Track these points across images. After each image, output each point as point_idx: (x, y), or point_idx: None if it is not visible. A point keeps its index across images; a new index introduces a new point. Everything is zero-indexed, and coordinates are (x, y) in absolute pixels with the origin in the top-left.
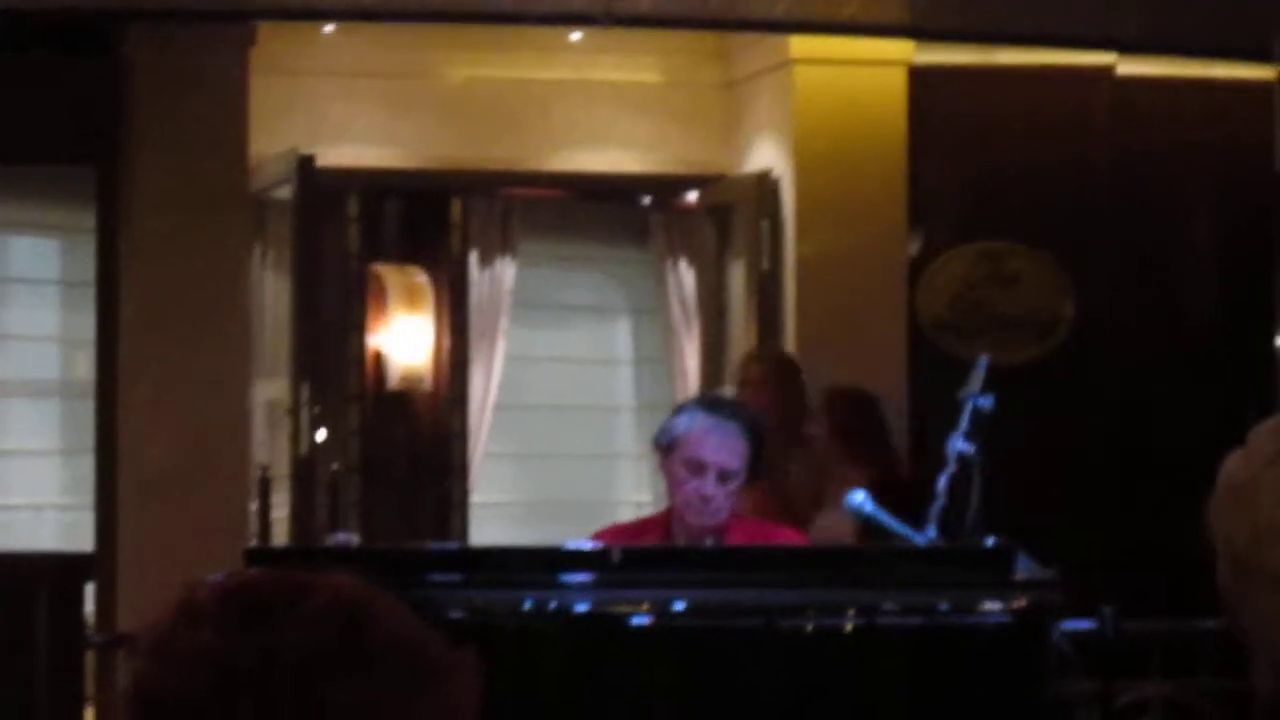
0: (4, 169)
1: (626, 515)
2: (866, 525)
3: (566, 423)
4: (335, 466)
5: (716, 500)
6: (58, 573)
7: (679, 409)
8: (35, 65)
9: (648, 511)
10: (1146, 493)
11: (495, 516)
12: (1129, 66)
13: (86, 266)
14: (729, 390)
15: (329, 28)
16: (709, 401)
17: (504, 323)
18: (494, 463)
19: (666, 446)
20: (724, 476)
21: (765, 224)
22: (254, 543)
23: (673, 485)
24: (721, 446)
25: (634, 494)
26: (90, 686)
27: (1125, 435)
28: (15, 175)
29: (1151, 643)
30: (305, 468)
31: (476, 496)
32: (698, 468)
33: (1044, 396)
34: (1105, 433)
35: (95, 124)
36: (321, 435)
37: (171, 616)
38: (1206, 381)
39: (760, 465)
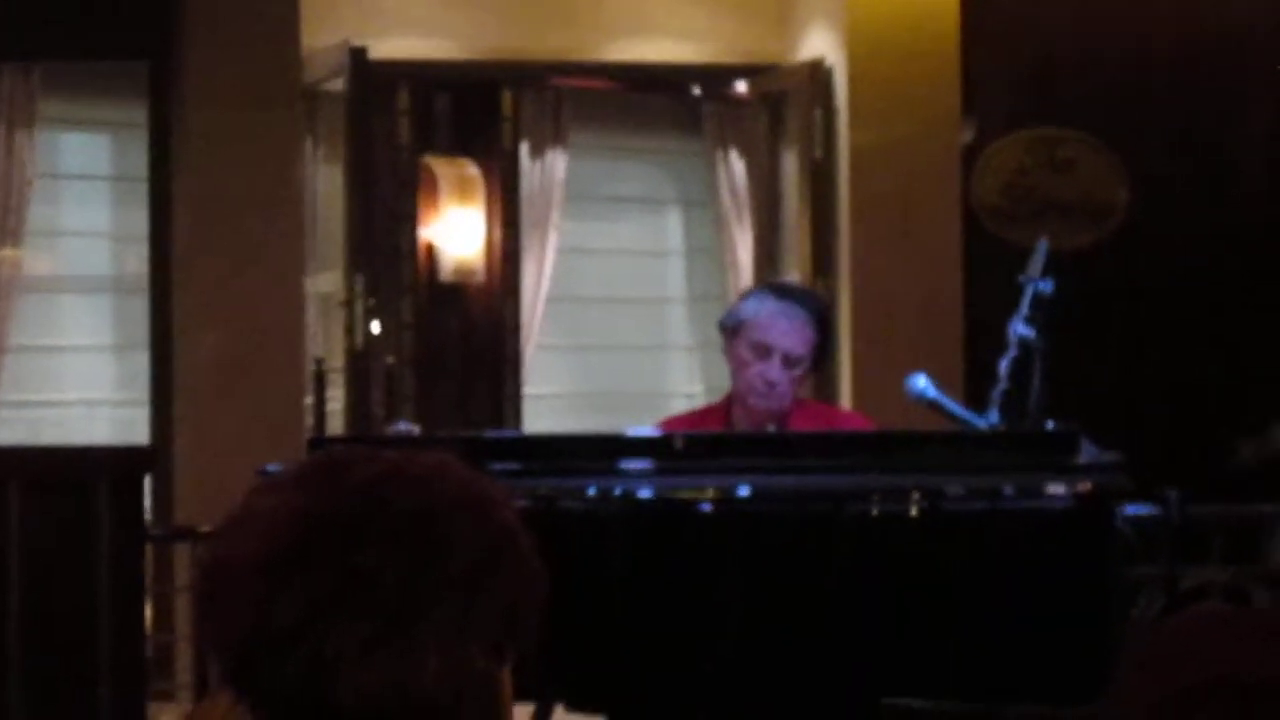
0: (55, 65)
1: (679, 407)
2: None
3: (618, 315)
4: (390, 359)
5: (781, 385)
6: (118, 465)
7: (748, 293)
8: None
9: (699, 403)
10: (1203, 376)
11: (548, 409)
12: None
13: (138, 162)
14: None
15: None
16: (779, 287)
17: (555, 215)
18: (546, 355)
19: (733, 329)
20: (790, 362)
21: (818, 113)
22: (311, 435)
23: (736, 368)
24: (789, 331)
25: (686, 385)
26: (147, 580)
27: (1181, 320)
28: (66, 71)
29: (1211, 528)
30: (360, 361)
31: (529, 389)
32: (764, 351)
33: (1100, 282)
34: (1161, 318)
35: (146, 18)
36: (375, 328)
37: (246, 495)
38: (1264, 265)
39: (826, 354)
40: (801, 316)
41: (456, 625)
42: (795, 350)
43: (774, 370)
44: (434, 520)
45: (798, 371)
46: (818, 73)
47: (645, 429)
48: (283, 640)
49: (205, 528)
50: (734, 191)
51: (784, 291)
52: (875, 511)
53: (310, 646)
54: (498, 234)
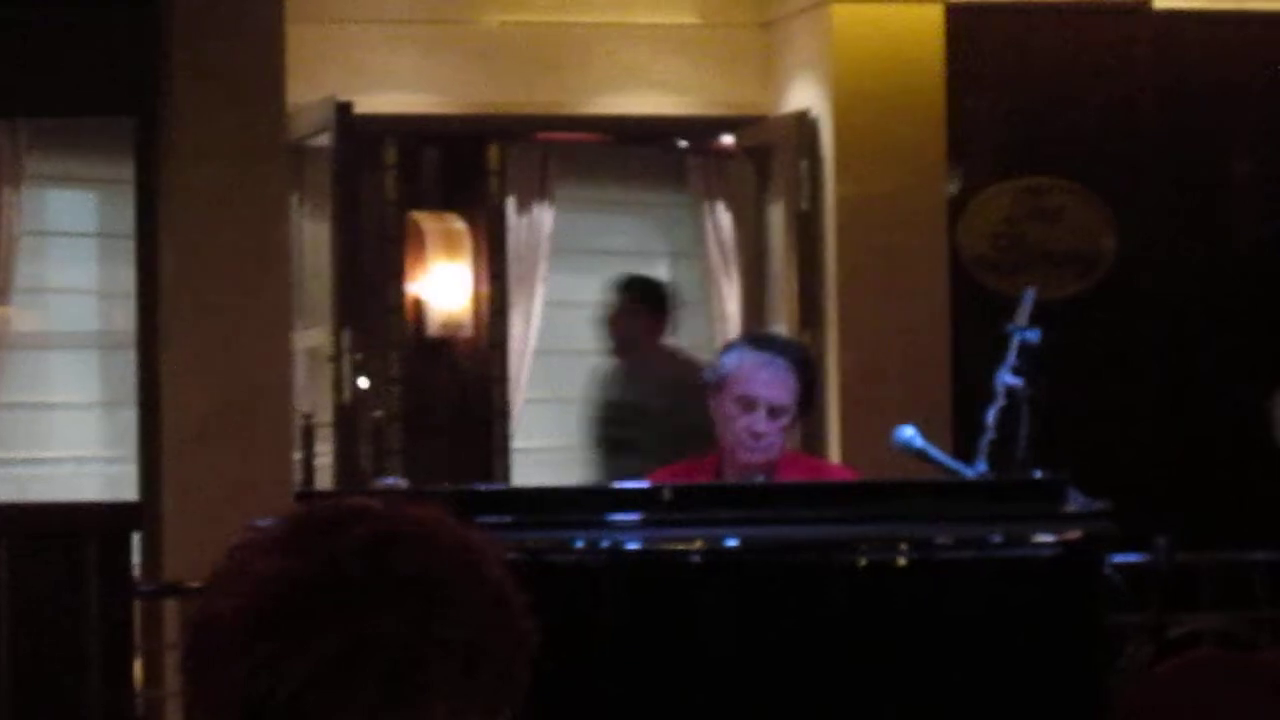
0: (41, 122)
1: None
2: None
3: None
4: (378, 414)
5: (769, 436)
6: (106, 521)
7: (727, 347)
8: (72, 16)
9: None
10: (1191, 425)
11: (536, 461)
12: (1167, 0)
13: (125, 218)
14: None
15: None
16: (757, 338)
17: (542, 268)
18: (534, 408)
19: (715, 385)
20: (775, 412)
21: (804, 164)
22: (299, 490)
23: (723, 423)
24: (772, 382)
25: None
26: (137, 636)
27: (1169, 369)
28: (52, 128)
29: (1201, 575)
30: (348, 415)
31: (518, 442)
32: (749, 404)
33: (1087, 331)
34: (1149, 367)
35: (132, 74)
36: (363, 383)
37: (233, 551)
38: (1250, 314)
39: (810, 401)
40: (782, 366)
41: (461, 689)
42: (779, 400)
43: (760, 422)
44: (433, 583)
45: (784, 421)
46: (803, 124)
47: (633, 482)
48: (284, 710)
49: (194, 584)
50: (721, 243)
51: (762, 342)
52: (863, 561)
53: (313, 717)
54: (485, 288)
